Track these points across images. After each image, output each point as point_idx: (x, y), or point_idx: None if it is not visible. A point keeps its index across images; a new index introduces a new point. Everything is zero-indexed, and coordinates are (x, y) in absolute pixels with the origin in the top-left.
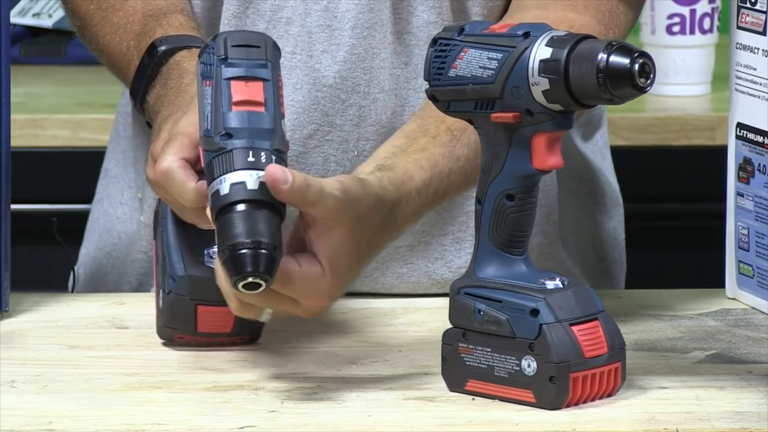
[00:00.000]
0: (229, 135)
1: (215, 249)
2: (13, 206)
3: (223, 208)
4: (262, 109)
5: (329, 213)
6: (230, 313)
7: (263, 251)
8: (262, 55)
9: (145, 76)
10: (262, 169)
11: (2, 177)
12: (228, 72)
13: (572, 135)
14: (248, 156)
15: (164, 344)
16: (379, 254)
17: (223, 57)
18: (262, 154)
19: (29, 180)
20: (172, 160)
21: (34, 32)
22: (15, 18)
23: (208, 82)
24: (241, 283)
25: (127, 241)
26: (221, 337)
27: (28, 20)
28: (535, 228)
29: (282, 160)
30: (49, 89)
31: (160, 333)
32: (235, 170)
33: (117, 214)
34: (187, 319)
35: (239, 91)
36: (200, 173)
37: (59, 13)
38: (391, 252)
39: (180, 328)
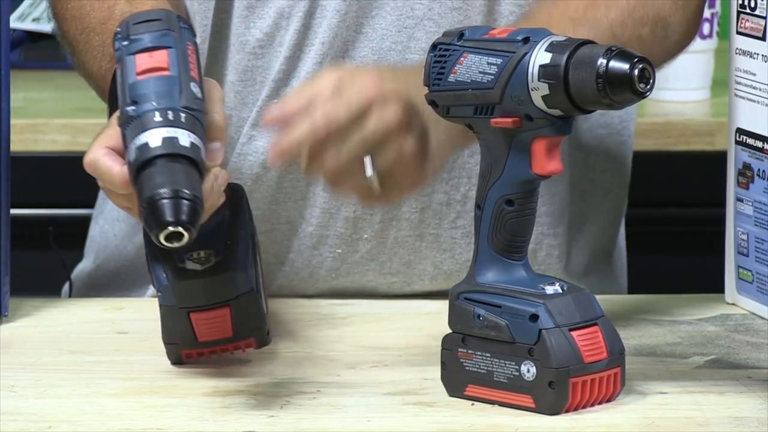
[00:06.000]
0: (135, 102)
1: (192, 253)
2: (13, 211)
3: (137, 170)
4: (167, 72)
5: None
6: (225, 316)
7: (183, 200)
8: (164, 26)
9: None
10: (173, 126)
11: (2, 182)
12: (131, 48)
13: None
14: (155, 116)
15: (174, 363)
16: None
17: (126, 36)
18: (169, 112)
19: (29, 185)
20: (96, 150)
21: (33, 37)
22: (15, 23)
23: (119, 65)
24: (163, 235)
25: (122, 258)
26: (225, 344)
27: (28, 25)
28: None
29: (194, 117)
30: (48, 94)
31: (169, 354)
32: (143, 131)
33: (114, 231)
34: (185, 329)
35: (143, 62)
36: None
37: None
38: (399, 241)
39: (181, 342)
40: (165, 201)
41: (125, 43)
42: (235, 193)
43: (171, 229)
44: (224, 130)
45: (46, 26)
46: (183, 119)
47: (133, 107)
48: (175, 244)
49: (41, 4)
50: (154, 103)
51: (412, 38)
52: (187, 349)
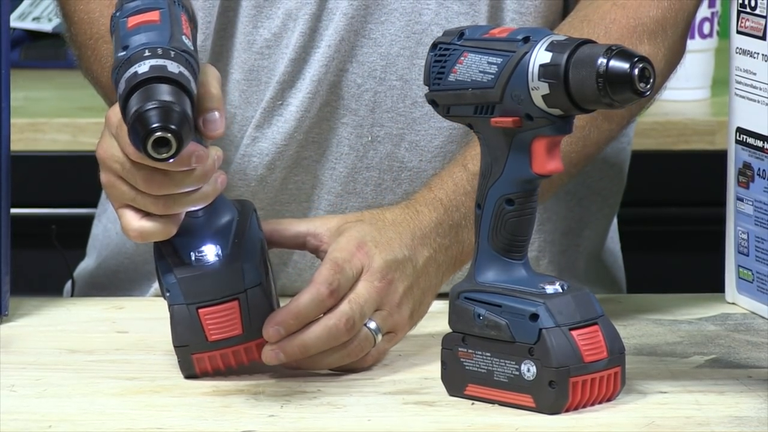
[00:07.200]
0: (125, 47)
1: (201, 249)
2: (13, 210)
3: (126, 97)
4: (157, 23)
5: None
6: (234, 311)
7: (171, 109)
8: None
9: None
10: (162, 58)
11: (2, 181)
12: (124, 13)
13: None
14: (144, 53)
15: (188, 375)
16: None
17: (119, 7)
18: (158, 49)
19: (29, 184)
20: (104, 133)
21: (34, 36)
22: (15, 22)
23: (113, 34)
24: (150, 142)
25: (123, 256)
26: (236, 344)
27: (28, 24)
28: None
29: (185, 59)
30: (49, 93)
31: (181, 362)
32: (132, 65)
33: (116, 229)
34: (194, 328)
35: (134, 19)
36: None
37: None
38: None
39: (192, 343)
40: (152, 110)
41: (118, 13)
42: (244, 207)
43: (158, 134)
44: (222, 102)
45: (47, 25)
46: (172, 55)
47: (123, 52)
48: (164, 155)
49: (41, 3)
50: (144, 43)
51: (420, 44)
52: (198, 351)
